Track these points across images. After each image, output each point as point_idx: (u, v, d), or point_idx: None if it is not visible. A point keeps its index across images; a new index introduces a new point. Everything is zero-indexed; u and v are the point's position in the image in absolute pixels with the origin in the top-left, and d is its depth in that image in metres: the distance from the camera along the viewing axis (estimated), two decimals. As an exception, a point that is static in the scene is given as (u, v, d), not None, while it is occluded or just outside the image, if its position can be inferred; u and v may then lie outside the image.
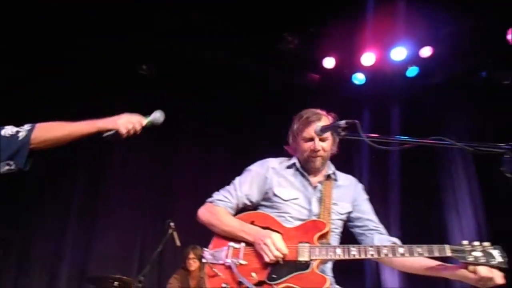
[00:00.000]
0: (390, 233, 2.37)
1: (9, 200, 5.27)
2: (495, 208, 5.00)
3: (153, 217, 6.23)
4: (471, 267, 1.89)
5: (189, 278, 5.43)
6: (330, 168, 2.45)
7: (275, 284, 2.03)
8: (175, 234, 4.82)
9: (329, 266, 2.32)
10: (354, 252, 2.05)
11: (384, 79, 6.27)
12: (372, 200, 2.50)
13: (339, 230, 2.39)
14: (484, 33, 5.17)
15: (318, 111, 2.39)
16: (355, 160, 6.44)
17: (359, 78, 6.34)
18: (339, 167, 2.52)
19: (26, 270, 5.68)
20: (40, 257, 5.76)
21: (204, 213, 2.39)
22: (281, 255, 2.07)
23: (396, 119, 6.37)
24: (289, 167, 2.44)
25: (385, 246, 2.05)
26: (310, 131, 2.30)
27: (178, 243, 4.84)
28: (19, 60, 5.44)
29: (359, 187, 2.52)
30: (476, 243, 1.93)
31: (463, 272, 1.94)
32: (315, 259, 2.07)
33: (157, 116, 2.32)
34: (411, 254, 1.98)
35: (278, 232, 2.18)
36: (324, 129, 2.13)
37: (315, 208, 2.31)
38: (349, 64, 6.26)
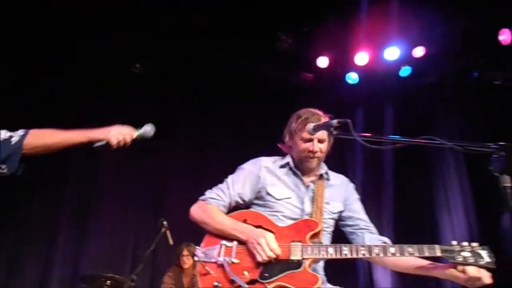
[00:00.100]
0: (383, 232, 2.39)
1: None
2: (485, 208, 5.05)
3: (146, 216, 6.21)
4: (460, 267, 1.93)
5: (183, 276, 5.42)
6: (323, 168, 2.47)
7: (267, 283, 2.03)
8: (168, 233, 4.81)
9: (321, 264, 2.33)
10: (346, 252, 2.06)
11: (377, 79, 6.30)
12: (365, 199, 2.52)
13: (331, 229, 2.41)
14: (476, 33, 5.21)
15: (317, 111, 2.40)
16: (349, 159, 6.46)
17: (352, 77, 6.37)
18: (333, 167, 2.54)
19: (17, 270, 5.65)
20: (31, 256, 5.74)
21: (197, 211, 2.39)
22: (274, 256, 2.07)
23: (389, 119, 6.41)
24: (282, 166, 2.44)
25: (376, 246, 2.07)
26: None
27: (171, 241, 4.83)
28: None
29: (351, 186, 2.54)
30: (465, 243, 1.97)
31: (452, 271, 1.98)
32: (308, 258, 2.08)
33: (148, 129, 2.39)
34: (402, 253, 2.00)
35: (270, 231, 2.18)
36: (316, 128, 2.13)
37: (308, 207, 2.32)
38: (342, 63, 6.28)
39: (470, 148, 1.55)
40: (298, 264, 2.07)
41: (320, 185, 2.41)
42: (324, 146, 2.37)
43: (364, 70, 6.22)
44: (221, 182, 2.47)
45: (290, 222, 2.27)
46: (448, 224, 5.68)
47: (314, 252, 2.09)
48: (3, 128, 2.07)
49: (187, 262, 5.37)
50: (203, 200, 2.42)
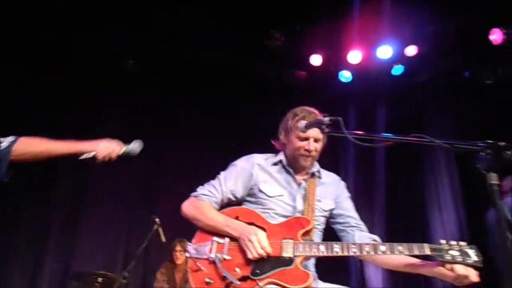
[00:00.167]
0: (375, 229, 2.42)
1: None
2: (475, 205, 5.09)
3: (138, 213, 6.20)
4: (448, 265, 1.97)
5: (175, 271, 5.43)
6: (315, 166, 2.48)
7: (258, 280, 2.04)
8: (160, 230, 4.81)
9: (312, 261, 2.35)
10: (337, 249, 2.08)
11: (370, 77, 6.33)
12: (357, 196, 2.54)
13: (322, 226, 2.42)
14: (467, 33, 5.24)
15: (313, 110, 2.41)
16: (341, 157, 6.49)
17: (345, 75, 6.39)
18: (326, 165, 2.55)
19: (9, 265, 5.61)
20: (23, 252, 5.70)
21: (188, 207, 2.38)
22: (264, 254, 2.08)
23: (382, 117, 6.45)
24: (275, 163, 2.45)
25: (367, 244, 2.09)
26: (308, 131, 2.28)
27: (163, 239, 4.83)
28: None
29: (342, 185, 2.56)
30: (454, 242, 2.01)
31: (441, 269, 2.02)
32: (299, 255, 2.10)
33: (135, 147, 2.47)
34: (392, 252, 2.03)
35: (262, 228, 2.19)
36: (308, 126, 2.14)
37: (299, 205, 2.33)
38: (335, 61, 6.29)
39: (459, 146, 1.58)
40: (289, 261, 2.08)
41: (311, 183, 2.42)
42: (319, 146, 2.39)
43: (357, 69, 6.24)
44: (213, 178, 2.48)
45: (282, 219, 2.27)
46: (438, 221, 5.73)
47: (305, 250, 2.10)
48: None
49: (180, 257, 5.39)
50: (195, 196, 2.41)
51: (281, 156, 2.46)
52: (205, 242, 2.22)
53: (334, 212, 2.46)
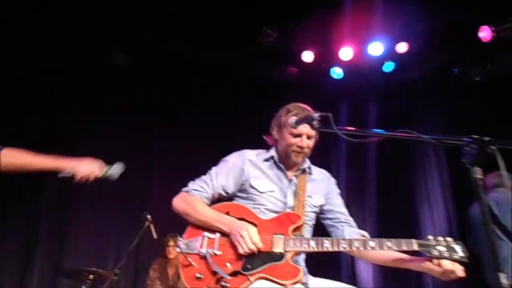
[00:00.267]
0: (366, 225, 2.45)
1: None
2: (464, 200, 5.15)
3: (130, 210, 6.17)
4: (435, 260, 2.02)
5: (168, 266, 5.44)
6: (306, 163, 2.50)
7: (249, 275, 2.05)
8: (152, 227, 4.80)
9: (302, 257, 2.37)
10: (327, 245, 2.10)
11: (362, 74, 6.35)
12: (348, 192, 2.56)
13: (312, 222, 2.44)
14: (457, 30, 5.28)
15: (306, 107, 2.42)
16: (333, 154, 6.51)
17: (337, 72, 6.40)
18: (317, 161, 2.57)
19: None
20: (12, 249, 5.65)
21: (179, 202, 2.38)
22: (255, 249, 2.09)
23: (373, 113, 6.48)
24: (266, 159, 2.46)
25: (356, 240, 2.12)
26: (301, 128, 2.30)
27: (154, 235, 4.82)
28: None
29: (332, 181, 2.59)
30: (441, 238, 2.05)
31: (428, 264, 2.06)
32: (290, 251, 2.11)
33: (115, 172, 2.55)
34: (381, 247, 2.06)
35: (253, 223, 2.20)
36: (298, 122, 2.16)
37: (290, 201, 2.35)
38: (327, 58, 6.30)
39: (445, 141, 1.60)
40: (280, 256, 2.10)
41: (302, 179, 2.44)
42: (311, 142, 2.41)
43: (348, 65, 6.25)
44: (205, 174, 2.48)
45: (273, 215, 2.29)
46: (429, 217, 5.78)
47: (296, 245, 2.12)
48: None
49: (173, 252, 5.41)
50: (186, 191, 2.42)
51: (272, 152, 2.47)
52: (196, 237, 2.23)
53: (324, 208, 2.48)
